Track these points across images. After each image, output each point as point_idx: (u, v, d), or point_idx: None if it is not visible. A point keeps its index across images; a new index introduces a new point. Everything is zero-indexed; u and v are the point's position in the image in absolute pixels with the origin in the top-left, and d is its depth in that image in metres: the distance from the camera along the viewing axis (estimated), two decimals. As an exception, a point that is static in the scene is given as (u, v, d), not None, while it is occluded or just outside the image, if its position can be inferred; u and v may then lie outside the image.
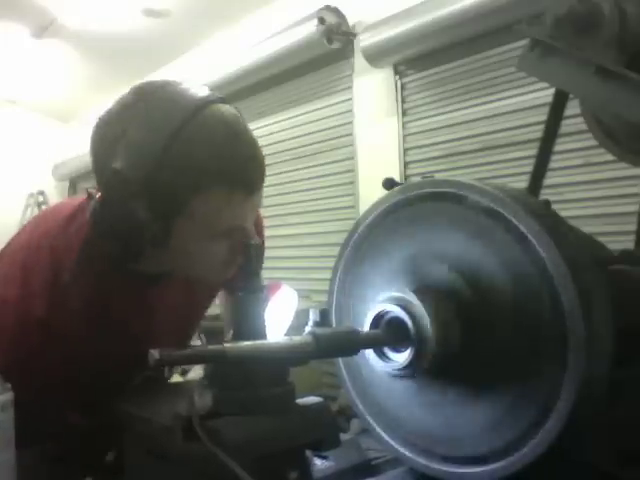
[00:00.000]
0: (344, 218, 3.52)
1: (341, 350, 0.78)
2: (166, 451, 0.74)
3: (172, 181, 0.85)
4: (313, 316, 0.76)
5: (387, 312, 0.84)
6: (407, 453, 0.92)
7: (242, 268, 0.77)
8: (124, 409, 0.84)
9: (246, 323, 0.75)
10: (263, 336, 0.75)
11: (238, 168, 0.88)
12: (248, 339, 0.72)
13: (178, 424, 0.70)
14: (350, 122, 3.58)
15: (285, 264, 4.00)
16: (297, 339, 0.72)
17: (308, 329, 0.75)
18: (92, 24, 4.33)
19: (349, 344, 0.77)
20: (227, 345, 0.68)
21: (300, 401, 0.77)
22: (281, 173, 4.01)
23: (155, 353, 0.64)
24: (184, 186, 0.86)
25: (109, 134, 0.87)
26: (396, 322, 0.82)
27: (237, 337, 0.73)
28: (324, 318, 0.76)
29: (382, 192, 0.94)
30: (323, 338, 0.73)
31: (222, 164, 0.86)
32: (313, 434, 0.76)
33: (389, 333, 0.83)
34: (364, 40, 3.22)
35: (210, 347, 0.68)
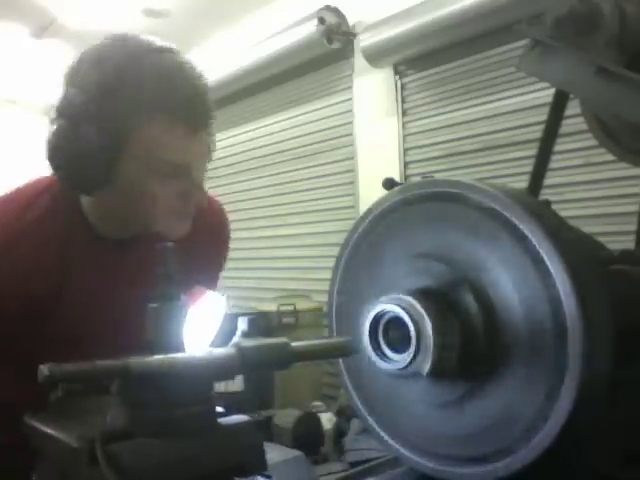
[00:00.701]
0: (344, 218, 3.53)
1: (269, 364, 0.72)
2: (72, 475, 0.67)
3: (117, 107, 0.90)
4: (242, 325, 0.72)
5: (387, 312, 0.84)
6: (407, 453, 0.92)
7: (157, 274, 0.69)
8: (33, 425, 0.76)
9: (160, 335, 0.67)
10: (179, 349, 0.68)
11: (179, 99, 0.92)
12: (163, 352, 0.66)
13: (84, 446, 0.62)
14: (350, 122, 3.58)
15: (285, 264, 4.00)
16: (218, 352, 0.66)
17: (236, 339, 0.71)
18: (92, 24, 4.33)
19: (279, 357, 0.70)
20: (131, 360, 0.62)
21: (223, 420, 0.70)
22: (281, 173, 4.01)
23: (44, 369, 0.57)
24: (127, 113, 0.91)
25: (70, 72, 0.95)
26: (396, 322, 0.82)
27: (151, 350, 0.67)
28: (253, 327, 0.72)
29: (382, 192, 0.94)
30: (248, 351, 0.67)
31: (162, 94, 0.91)
32: (235, 457, 0.69)
33: (392, 334, 0.83)
34: (364, 40, 3.23)
35: (112, 362, 0.62)
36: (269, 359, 0.69)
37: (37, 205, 0.98)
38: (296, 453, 1.30)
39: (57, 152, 0.93)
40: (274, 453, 1.28)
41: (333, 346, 0.77)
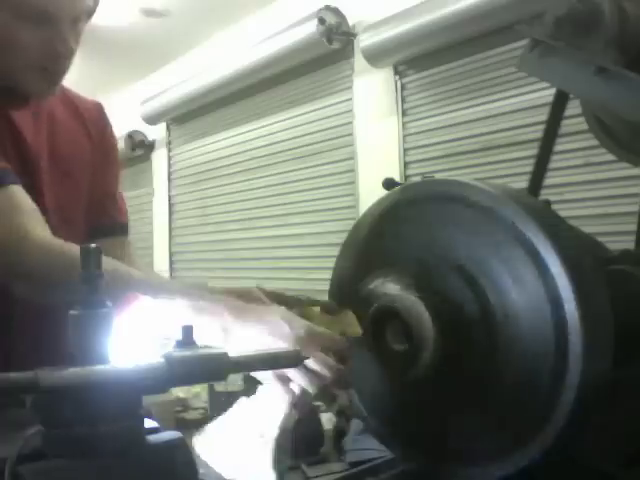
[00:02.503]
0: (344, 218, 3.53)
1: (203, 376, 0.68)
2: None
3: None
4: (175, 334, 0.66)
5: (387, 311, 0.84)
6: (407, 453, 0.92)
7: (80, 279, 0.63)
8: None
9: (80, 345, 0.61)
10: (101, 360, 0.62)
11: None
12: (82, 364, 0.60)
13: None
14: (350, 122, 3.58)
15: (285, 264, 4.00)
16: (145, 364, 0.62)
17: (170, 349, 0.65)
18: (91, 24, 4.33)
19: (213, 369, 0.66)
20: (41, 372, 0.56)
21: (151, 438, 0.65)
22: (281, 173, 4.01)
23: None
24: None
25: None
26: (396, 321, 0.83)
27: (72, 362, 0.61)
28: (188, 336, 0.66)
29: (382, 192, 0.94)
30: (179, 362, 0.62)
31: None
32: (164, 478, 0.64)
33: (393, 333, 0.83)
34: (364, 40, 3.23)
35: (19, 375, 0.56)
36: (203, 371, 0.65)
37: None
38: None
39: None
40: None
41: (278, 357, 0.73)
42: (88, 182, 1.12)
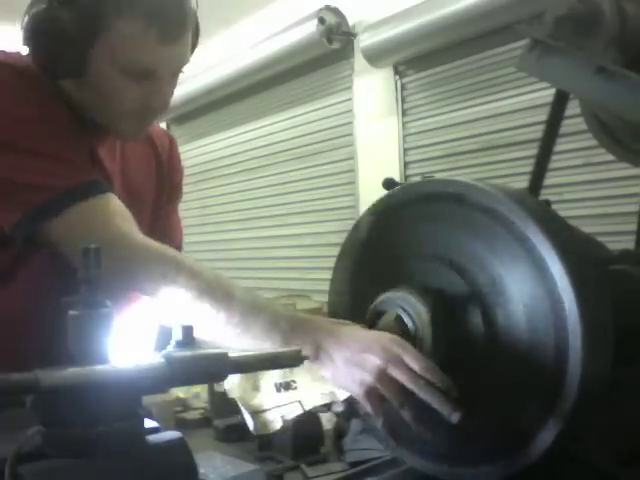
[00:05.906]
0: (344, 218, 3.52)
1: (203, 376, 0.68)
2: None
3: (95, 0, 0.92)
4: (175, 334, 0.66)
5: (387, 310, 0.84)
6: (407, 453, 0.92)
7: (80, 279, 0.62)
8: None
9: (80, 345, 0.61)
10: (101, 360, 0.61)
11: (156, 5, 0.94)
12: (82, 364, 0.60)
13: None
14: (350, 122, 3.58)
15: (285, 264, 4.00)
16: (145, 363, 0.62)
17: (170, 349, 0.65)
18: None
19: (213, 369, 0.66)
20: (41, 372, 0.56)
21: (151, 438, 0.65)
22: (281, 173, 4.01)
23: None
24: (106, 5, 0.92)
25: None
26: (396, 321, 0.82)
27: (72, 362, 0.61)
28: (188, 336, 0.66)
29: (382, 192, 0.94)
30: (178, 363, 0.62)
31: None
32: (164, 478, 0.64)
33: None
34: (364, 40, 3.23)
35: (19, 375, 0.55)
36: (203, 371, 0.65)
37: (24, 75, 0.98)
38: (252, 467, 1.28)
39: (35, 35, 0.95)
40: (228, 467, 1.27)
41: (279, 356, 0.74)
42: (152, 204, 1.18)
